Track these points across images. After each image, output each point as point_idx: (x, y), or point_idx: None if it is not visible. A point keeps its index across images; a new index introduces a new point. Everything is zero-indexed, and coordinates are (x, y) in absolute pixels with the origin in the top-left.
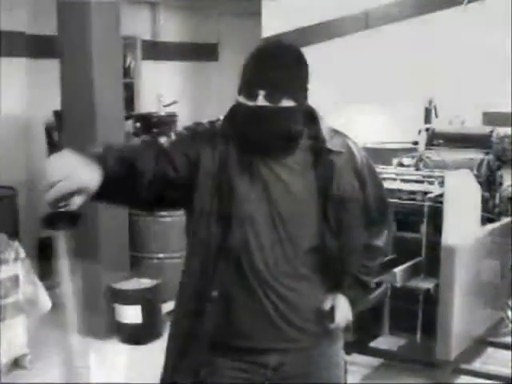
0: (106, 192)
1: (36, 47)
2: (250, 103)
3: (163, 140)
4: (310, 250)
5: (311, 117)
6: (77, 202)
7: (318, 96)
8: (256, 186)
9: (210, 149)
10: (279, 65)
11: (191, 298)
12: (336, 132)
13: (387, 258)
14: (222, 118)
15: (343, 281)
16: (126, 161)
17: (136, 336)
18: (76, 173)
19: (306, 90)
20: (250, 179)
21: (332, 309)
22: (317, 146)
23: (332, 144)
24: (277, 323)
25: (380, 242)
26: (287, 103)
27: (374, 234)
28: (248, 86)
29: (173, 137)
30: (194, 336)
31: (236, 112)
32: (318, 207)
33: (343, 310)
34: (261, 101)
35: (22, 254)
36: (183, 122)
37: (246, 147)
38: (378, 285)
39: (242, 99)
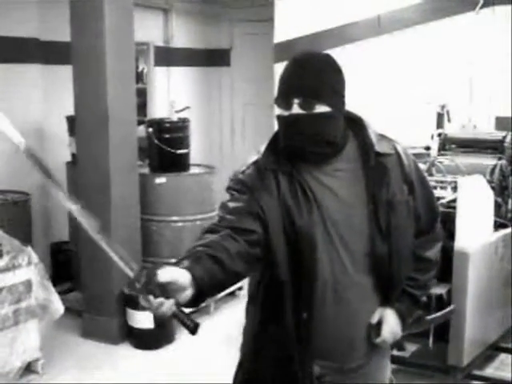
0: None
1: (49, 53)
2: (286, 113)
3: (229, 218)
4: (364, 256)
5: (356, 122)
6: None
7: None
8: (308, 200)
9: (267, 194)
10: (311, 72)
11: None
12: (383, 136)
13: None
14: (262, 149)
15: (392, 294)
16: (216, 275)
17: (148, 341)
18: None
19: (341, 95)
20: (303, 196)
21: (379, 323)
22: (365, 150)
23: (380, 147)
24: (351, 341)
25: (430, 253)
26: (321, 109)
27: (424, 244)
28: (283, 97)
29: (232, 204)
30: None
31: (278, 125)
32: (369, 212)
33: (391, 325)
34: (295, 109)
35: (35, 258)
36: (195, 127)
37: (290, 157)
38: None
39: (279, 111)
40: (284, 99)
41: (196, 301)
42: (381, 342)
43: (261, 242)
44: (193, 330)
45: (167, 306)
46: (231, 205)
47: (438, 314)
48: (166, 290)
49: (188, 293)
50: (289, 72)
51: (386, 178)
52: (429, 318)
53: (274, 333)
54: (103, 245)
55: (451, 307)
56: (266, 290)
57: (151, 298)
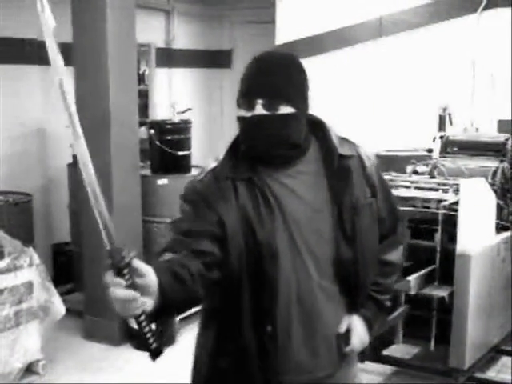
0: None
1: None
2: (249, 114)
3: (184, 240)
4: (329, 262)
5: (318, 125)
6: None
7: (331, 102)
8: (270, 207)
9: (225, 204)
10: (274, 72)
11: (240, 335)
12: (344, 139)
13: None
14: (220, 156)
15: (358, 300)
16: (178, 293)
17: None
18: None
19: (305, 96)
20: (264, 202)
21: (348, 331)
22: (327, 152)
23: (342, 150)
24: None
25: (393, 256)
26: (285, 110)
27: (386, 247)
28: (245, 97)
29: (186, 224)
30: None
31: (239, 127)
32: (333, 215)
33: (359, 333)
34: (259, 110)
35: (37, 260)
36: (197, 128)
37: (252, 161)
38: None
39: (241, 112)
40: (246, 99)
41: (156, 315)
42: (349, 350)
43: (219, 264)
44: (155, 352)
45: (138, 302)
46: (185, 226)
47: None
48: (133, 284)
49: (151, 302)
50: (251, 71)
51: (350, 180)
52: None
53: (232, 352)
54: (94, 204)
55: (399, 310)
56: (225, 305)
57: (121, 281)
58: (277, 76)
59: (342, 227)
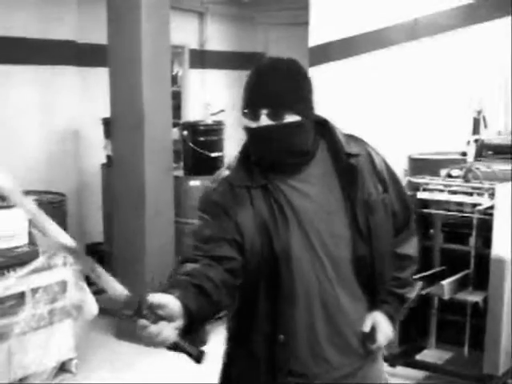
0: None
1: (86, 56)
2: (254, 124)
3: (205, 247)
4: (348, 261)
5: (322, 125)
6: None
7: (366, 104)
8: (285, 213)
9: (242, 211)
10: (276, 80)
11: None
12: (351, 137)
13: (436, 270)
14: (232, 163)
15: (378, 296)
16: (204, 306)
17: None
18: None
19: (310, 102)
20: (279, 208)
21: (373, 329)
22: (335, 152)
23: (350, 148)
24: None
25: (409, 249)
26: (291, 118)
27: (402, 241)
28: (249, 107)
29: (206, 231)
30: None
31: (247, 139)
32: (348, 215)
33: (383, 329)
34: (264, 120)
35: (71, 259)
36: (229, 129)
37: (262, 169)
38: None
39: (246, 122)
40: (251, 110)
41: (186, 332)
42: (376, 347)
43: (240, 269)
44: (197, 358)
45: (169, 330)
46: (206, 233)
47: None
48: (158, 317)
49: (179, 323)
50: (253, 81)
51: (360, 178)
52: None
53: (243, 357)
54: (96, 272)
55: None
56: (240, 310)
57: (148, 323)
58: (280, 84)
59: (357, 225)
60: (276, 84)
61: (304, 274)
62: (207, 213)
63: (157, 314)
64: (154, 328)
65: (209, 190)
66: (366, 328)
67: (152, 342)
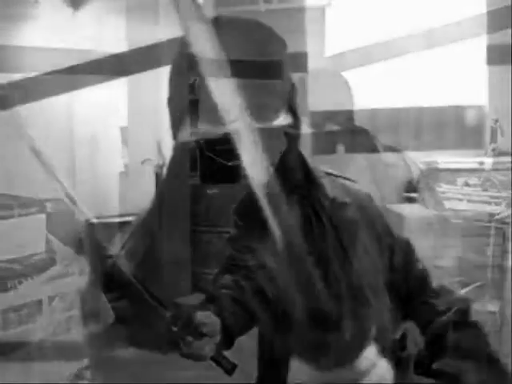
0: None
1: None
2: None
3: (243, 257)
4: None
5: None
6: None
7: (379, 112)
8: (322, 219)
9: (276, 216)
10: None
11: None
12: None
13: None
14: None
15: (410, 305)
16: (241, 320)
17: None
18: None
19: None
20: (316, 216)
21: (403, 337)
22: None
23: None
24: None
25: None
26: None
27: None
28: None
29: (243, 241)
30: None
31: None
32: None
33: (414, 337)
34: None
35: (87, 267)
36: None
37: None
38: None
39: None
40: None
41: (223, 346)
42: (406, 355)
43: (275, 278)
44: (230, 371)
45: (210, 347)
46: (242, 241)
47: None
48: (201, 334)
49: (218, 338)
50: None
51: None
52: None
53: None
54: (137, 284)
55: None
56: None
57: (192, 340)
58: None
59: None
60: None
61: (336, 281)
62: (242, 218)
63: (200, 331)
64: (197, 344)
65: (246, 196)
66: (397, 335)
67: (193, 356)
